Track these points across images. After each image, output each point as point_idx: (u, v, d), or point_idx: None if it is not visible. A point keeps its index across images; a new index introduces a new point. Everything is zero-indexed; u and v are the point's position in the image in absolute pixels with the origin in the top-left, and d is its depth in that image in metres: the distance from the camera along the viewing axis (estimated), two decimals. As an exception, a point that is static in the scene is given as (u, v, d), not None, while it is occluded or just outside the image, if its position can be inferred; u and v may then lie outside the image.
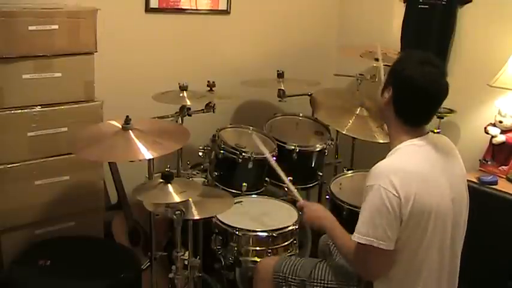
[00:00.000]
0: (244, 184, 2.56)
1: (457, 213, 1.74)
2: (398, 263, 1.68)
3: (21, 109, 2.18)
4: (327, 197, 2.61)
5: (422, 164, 1.67)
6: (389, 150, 1.75)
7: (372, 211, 1.63)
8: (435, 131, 1.80)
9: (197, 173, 2.73)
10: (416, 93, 1.67)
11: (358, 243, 1.65)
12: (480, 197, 1.99)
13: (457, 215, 1.74)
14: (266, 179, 2.68)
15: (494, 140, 2.67)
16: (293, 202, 2.59)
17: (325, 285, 1.92)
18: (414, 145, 1.70)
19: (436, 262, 1.71)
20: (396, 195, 1.59)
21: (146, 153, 1.92)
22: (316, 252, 2.33)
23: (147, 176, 2.29)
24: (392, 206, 1.59)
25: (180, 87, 2.49)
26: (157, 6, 2.83)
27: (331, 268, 1.95)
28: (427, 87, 1.66)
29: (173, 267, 2.09)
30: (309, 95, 3.05)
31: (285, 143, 2.72)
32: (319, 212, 1.99)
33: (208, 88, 2.64)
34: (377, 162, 1.69)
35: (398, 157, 1.70)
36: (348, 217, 2.38)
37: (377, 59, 2.69)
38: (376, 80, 2.80)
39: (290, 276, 1.99)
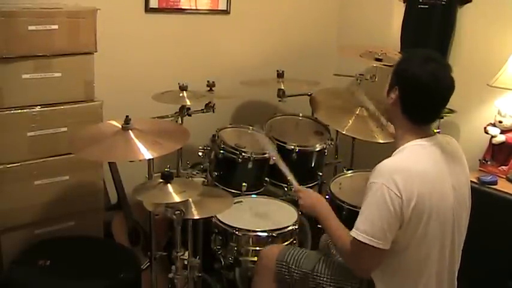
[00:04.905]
0: (244, 184, 2.56)
1: (459, 216, 1.74)
2: (400, 262, 1.68)
3: (21, 109, 2.18)
4: (327, 197, 2.60)
5: (427, 165, 1.67)
6: (394, 150, 1.74)
7: (372, 209, 1.63)
8: (435, 131, 1.79)
9: (197, 173, 2.73)
10: (421, 90, 1.68)
11: (355, 239, 1.65)
12: (480, 197, 1.99)
13: (458, 218, 1.74)
14: (266, 178, 2.68)
15: (494, 140, 2.67)
16: (293, 202, 2.60)
17: (328, 280, 1.92)
18: (421, 145, 1.69)
19: (437, 262, 1.71)
20: (398, 195, 1.59)
21: (146, 153, 1.92)
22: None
23: (147, 176, 2.29)
24: (394, 206, 1.59)
25: (179, 87, 2.49)
26: (157, 6, 2.82)
27: (335, 264, 1.95)
28: (432, 83, 1.66)
29: (173, 267, 2.09)
30: (308, 95, 3.04)
31: (284, 143, 2.71)
32: (315, 199, 2.01)
33: (208, 88, 2.64)
34: (377, 162, 1.68)
35: (403, 156, 1.69)
36: (348, 217, 2.36)
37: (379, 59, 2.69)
38: (376, 79, 2.80)
39: (293, 266, 1.98)
